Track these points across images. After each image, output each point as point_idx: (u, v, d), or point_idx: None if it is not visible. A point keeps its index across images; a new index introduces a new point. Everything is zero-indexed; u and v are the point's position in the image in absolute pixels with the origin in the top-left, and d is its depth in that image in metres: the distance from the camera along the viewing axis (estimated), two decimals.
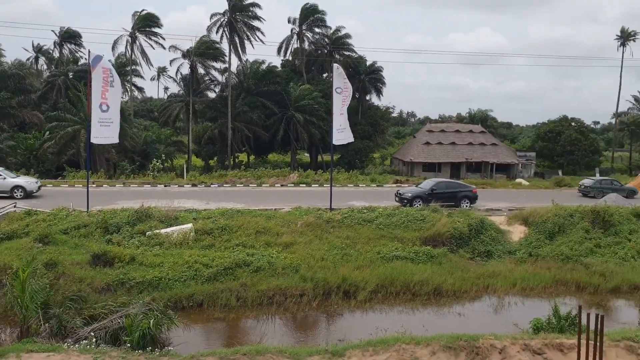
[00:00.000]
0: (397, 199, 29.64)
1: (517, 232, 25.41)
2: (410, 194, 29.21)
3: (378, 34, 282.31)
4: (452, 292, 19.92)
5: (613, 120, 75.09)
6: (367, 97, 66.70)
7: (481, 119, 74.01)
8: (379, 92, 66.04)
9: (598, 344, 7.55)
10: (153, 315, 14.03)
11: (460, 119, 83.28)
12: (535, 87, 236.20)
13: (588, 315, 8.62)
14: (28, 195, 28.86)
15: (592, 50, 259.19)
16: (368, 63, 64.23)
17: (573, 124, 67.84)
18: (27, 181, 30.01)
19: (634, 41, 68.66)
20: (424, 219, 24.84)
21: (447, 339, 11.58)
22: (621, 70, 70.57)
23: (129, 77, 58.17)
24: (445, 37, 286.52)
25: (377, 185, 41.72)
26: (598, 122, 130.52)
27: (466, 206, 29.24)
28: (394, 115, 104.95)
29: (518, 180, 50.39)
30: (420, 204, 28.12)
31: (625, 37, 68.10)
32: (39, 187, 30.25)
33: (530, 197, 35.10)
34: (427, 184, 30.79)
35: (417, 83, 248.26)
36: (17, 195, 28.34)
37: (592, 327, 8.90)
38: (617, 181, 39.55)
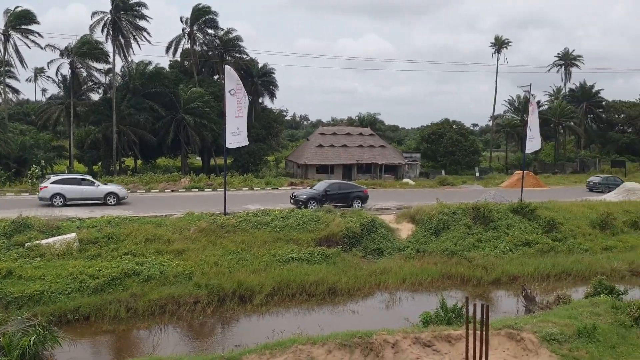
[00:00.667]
0: (292, 201, 29.80)
1: (406, 230, 26.43)
2: (305, 196, 29.49)
3: (270, 38, 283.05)
4: (346, 290, 20.34)
5: (490, 123, 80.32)
6: (260, 100, 66.50)
7: (370, 122, 76.36)
8: (272, 95, 66.06)
9: (484, 332, 7.98)
10: (34, 331, 13.05)
11: (350, 122, 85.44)
12: (419, 91, 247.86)
13: (474, 305, 9.10)
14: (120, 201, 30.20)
15: (470, 56, 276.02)
16: (260, 65, 64.09)
17: (454, 126, 71.87)
18: (119, 188, 31.55)
19: (507, 49, 73.94)
20: (318, 220, 25.16)
21: (342, 337, 11.78)
22: (496, 76, 76.01)
23: (2, 78, 53.93)
24: (336, 42, 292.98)
25: (272, 188, 41.75)
26: (477, 124, 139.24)
27: (358, 206, 30.02)
28: (288, 118, 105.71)
29: (405, 180, 52.56)
30: (314, 206, 28.47)
31: (499, 44, 73.09)
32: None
33: (416, 195, 36.66)
34: (321, 185, 31.25)
35: (310, 86, 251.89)
36: (110, 201, 29.85)
37: (477, 317, 9.42)
38: (619, 178, 46.21)
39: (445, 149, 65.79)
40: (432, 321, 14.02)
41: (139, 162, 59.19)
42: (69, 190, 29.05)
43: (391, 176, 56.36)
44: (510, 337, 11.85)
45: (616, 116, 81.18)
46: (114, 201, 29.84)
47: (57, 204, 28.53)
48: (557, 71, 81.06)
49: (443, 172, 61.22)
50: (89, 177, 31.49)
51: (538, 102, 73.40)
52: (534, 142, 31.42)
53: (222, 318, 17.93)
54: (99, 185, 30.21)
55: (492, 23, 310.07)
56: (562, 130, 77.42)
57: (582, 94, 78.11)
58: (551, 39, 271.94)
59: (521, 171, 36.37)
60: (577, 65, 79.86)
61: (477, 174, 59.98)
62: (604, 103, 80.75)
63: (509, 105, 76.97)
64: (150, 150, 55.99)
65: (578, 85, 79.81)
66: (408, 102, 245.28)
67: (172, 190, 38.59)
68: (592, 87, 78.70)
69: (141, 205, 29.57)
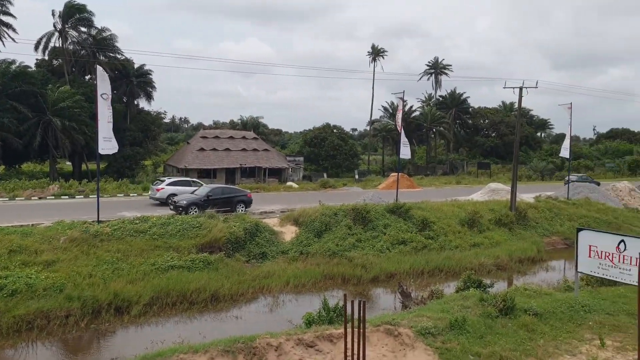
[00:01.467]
0: (171, 207, 28.89)
1: (289, 232, 26.63)
2: (185, 202, 28.72)
3: (148, 38, 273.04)
4: (229, 296, 20.07)
5: (368, 127, 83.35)
6: (137, 102, 63.90)
7: (253, 126, 76.22)
8: (149, 97, 63.70)
9: (361, 329, 8.19)
10: None
11: (233, 125, 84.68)
12: (301, 96, 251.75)
13: (352, 303, 9.32)
14: None
15: (350, 63, 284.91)
16: (136, 66, 61.60)
17: (335, 130, 73.79)
18: None
19: (384, 57, 77.16)
20: (200, 225, 24.61)
21: (225, 343, 11.58)
22: (373, 83, 79.09)
23: None
24: (217, 45, 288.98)
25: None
26: (356, 129, 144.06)
27: (242, 210, 29.77)
28: (167, 120, 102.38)
29: (289, 183, 53.03)
30: (196, 211, 27.82)
31: (375, 53, 76.09)
32: None
33: (300, 198, 37.10)
34: (203, 190, 30.60)
35: (190, 89, 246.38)
36: None
37: (356, 315, 9.67)
38: (589, 177, 55.34)
39: (326, 153, 67.33)
40: (315, 321, 14.19)
41: (2, 167, 54.47)
42: None
43: (275, 179, 56.58)
44: (388, 333, 12.29)
45: (481, 121, 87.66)
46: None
47: None
48: (429, 79, 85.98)
49: (325, 175, 62.56)
50: None
51: (411, 108, 77.37)
52: (406, 148, 33.06)
53: (97, 331, 16.94)
54: None
55: (369, 32, 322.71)
56: (433, 135, 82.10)
57: (451, 101, 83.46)
58: (424, 48, 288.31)
59: (396, 173, 38.04)
60: (446, 74, 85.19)
61: (357, 177, 61.94)
62: (470, 109, 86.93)
63: (384, 111, 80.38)
64: (14, 154, 51.66)
65: (447, 92, 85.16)
66: (291, 106, 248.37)
67: (40, 198, 35.95)
68: (460, 94, 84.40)
69: (4, 214, 27.24)
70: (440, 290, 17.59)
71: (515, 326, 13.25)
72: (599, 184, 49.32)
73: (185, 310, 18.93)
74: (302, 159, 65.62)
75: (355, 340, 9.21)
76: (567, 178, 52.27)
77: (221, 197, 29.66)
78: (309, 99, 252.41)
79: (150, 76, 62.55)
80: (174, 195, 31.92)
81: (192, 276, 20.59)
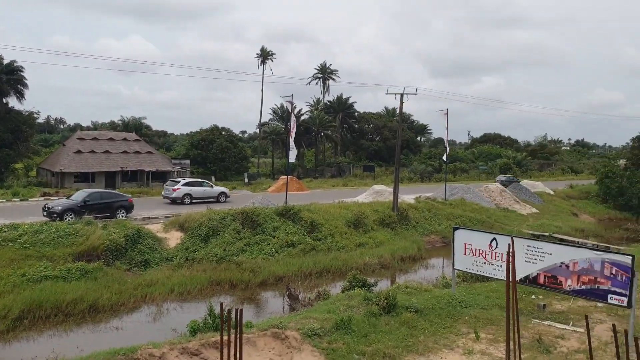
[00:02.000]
0: (45, 213, 26.95)
1: (174, 239, 25.81)
2: (60, 207, 26.89)
3: (22, 34, 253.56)
4: (109, 306, 19.04)
5: (258, 130, 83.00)
6: (5, 101, 58.94)
7: (136, 127, 73.16)
8: (20, 95, 58.84)
9: (238, 335, 8.03)
10: None
11: (113, 126, 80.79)
12: (188, 96, 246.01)
13: (236, 310, 9.14)
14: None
15: (239, 65, 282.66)
16: (6, 62, 56.86)
17: (223, 132, 72.71)
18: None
19: (273, 60, 77.27)
20: (76, 233, 23.15)
21: (104, 356, 10.94)
22: (262, 85, 78.55)
23: None
24: (96, 42, 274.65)
25: (22, 200, 37.31)
26: (245, 132, 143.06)
27: (122, 216, 28.41)
28: (40, 121, 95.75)
29: None
30: (72, 217, 26.14)
31: (264, 55, 75.98)
32: None
33: None
34: (80, 195, 28.80)
35: (67, 87, 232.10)
36: (221, 200, 37.01)
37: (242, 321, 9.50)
38: (513, 177, 61.06)
39: (215, 156, 66.09)
40: (201, 329, 13.80)
41: None
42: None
43: (159, 183, 54.53)
44: (275, 337, 12.23)
45: (366, 126, 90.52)
46: (224, 199, 37.34)
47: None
48: (317, 83, 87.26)
49: (213, 178, 61.39)
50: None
51: (300, 112, 78.21)
52: (293, 152, 33.38)
53: None
54: (212, 186, 38.69)
55: (258, 34, 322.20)
56: (321, 138, 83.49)
57: (338, 105, 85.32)
58: (312, 53, 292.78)
59: (286, 176, 38.21)
60: (333, 79, 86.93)
61: (246, 180, 61.43)
62: (356, 114, 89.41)
63: (274, 114, 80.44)
64: None
65: (335, 97, 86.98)
66: (177, 107, 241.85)
67: None
68: (346, 99, 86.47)
69: None
70: (327, 291, 17.84)
71: (398, 323, 13.70)
72: (519, 182, 56.07)
73: (61, 323, 17.71)
74: (188, 162, 63.90)
75: (231, 346, 9.02)
76: (497, 178, 61.76)
77: (100, 203, 28.10)
78: (197, 100, 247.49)
79: (22, 73, 57.92)
80: (189, 195, 35.65)
81: (68, 286, 19.32)
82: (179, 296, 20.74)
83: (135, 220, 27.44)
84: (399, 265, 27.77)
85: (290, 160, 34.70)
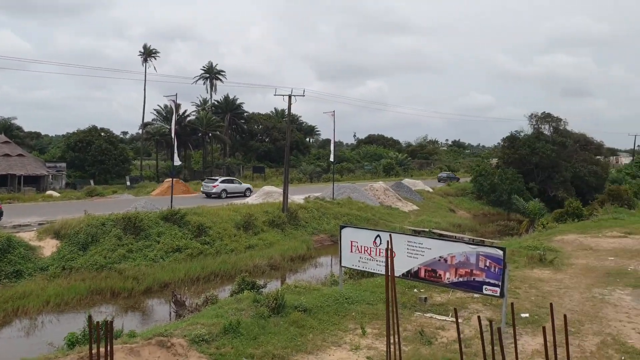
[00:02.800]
0: None
1: (49, 247, 24.11)
2: None
3: None
4: None
5: (141, 131, 79.87)
6: None
7: (5, 128, 67.68)
8: None
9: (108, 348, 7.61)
10: None
11: None
12: (64, 96, 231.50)
13: (106, 323, 8.67)
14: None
15: (120, 63, 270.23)
16: None
17: (103, 133, 69.11)
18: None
19: (156, 59, 74.77)
20: None
21: None
22: (145, 84, 75.98)
23: None
24: None
25: None
26: (127, 132, 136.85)
27: None
28: None
29: (49, 192, 48.10)
30: None
31: (147, 53, 73.35)
32: None
33: (62, 209, 33.89)
34: None
35: None
36: (247, 194, 44.17)
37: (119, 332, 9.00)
38: (453, 174, 65.52)
39: (93, 158, 62.62)
40: (79, 342, 12.98)
41: None
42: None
43: (32, 188, 50.83)
44: (161, 345, 11.76)
45: (256, 127, 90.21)
46: (249, 194, 44.17)
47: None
48: (204, 83, 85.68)
49: (92, 182, 58.19)
50: None
51: (185, 112, 76.31)
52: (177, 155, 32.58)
53: None
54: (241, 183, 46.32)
55: (141, 32, 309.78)
56: (209, 139, 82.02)
57: (226, 106, 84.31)
58: (198, 53, 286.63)
59: (171, 179, 37.08)
60: (220, 79, 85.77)
61: (129, 183, 58.90)
62: (245, 115, 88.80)
63: (158, 114, 77.86)
64: None
65: (222, 97, 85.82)
66: (52, 107, 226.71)
67: None
68: (234, 99, 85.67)
69: None
70: (216, 295, 17.48)
71: (287, 323, 13.70)
72: (458, 179, 61.19)
73: None
74: (64, 164, 60.10)
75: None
76: (439, 174, 66.58)
77: None
78: (73, 100, 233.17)
79: None
80: (225, 190, 44.00)
81: None
82: (55, 308, 19.41)
83: (4, 229, 25.30)
84: (289, 266, 27.90)
85: (175, 163, 33.70)
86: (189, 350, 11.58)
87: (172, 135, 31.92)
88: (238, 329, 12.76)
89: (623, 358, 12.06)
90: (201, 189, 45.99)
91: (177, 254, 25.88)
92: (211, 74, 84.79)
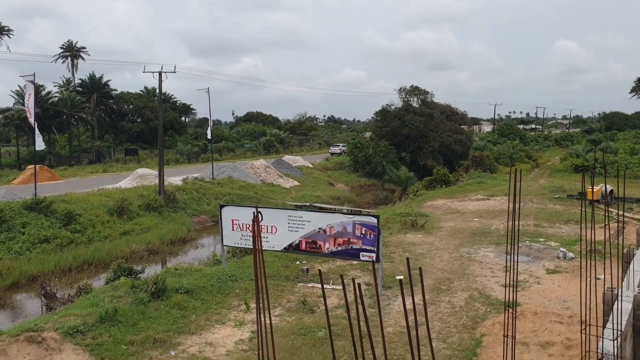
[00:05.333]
0: None
1: None
2: None
3: None
4: None
5: None
6: None
7: None
8: None
9: None
10: None
11: None
12: None
13: None
14: None
15: None
16: None
17: None
18: None
19: (10, 37, 68.49)
20: None
21: None
22: None
23: None
24: None
25: None
26: None
27: None
28: None
29: None
30: None
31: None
32: None
33: None
34: None
35: None
36: None
37: None
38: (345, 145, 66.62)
39: None
40: None
41: None
42: None
43: None
44: (30, 341, 11.02)
45: (126, 107, 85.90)
46: None
47: None
48: (64, 62, 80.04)
49: None
50: None
51: (49, 94, 70.97)
52: (40, 138, 30.31)
53: None
54: None
55: None
56: (75, 122, 77.05)
57: (92, 86, 79.41)
58: (62, 30, 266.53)
59: (34, 166, 34.41)
60: (82, 57, 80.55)
61: None
62: (114, 94, 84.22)
63: (18, 97, 71.67)
64: None
65: (87, 76, 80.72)
66: None
67: None
68: (100, 78, 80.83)
69: None
70: (90, 284, 16.63)
71: (168, 307, 13.40)
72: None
73: None
74: None
75: None
76: (331, 149, 71.87)
77: None
78: None
79: None
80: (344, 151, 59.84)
81: None
82: None
83: None
84: (169, 249, 27.18)
85: (37, 148, 31.30)
86: (62, 343, 10.97)
87: (32, 118, 29.49)
88: (115, 316, 12.28)
89: (488, 309, 13.15)
90: (330, 150, 65.13)
91: (45, 244, 24.19)
92: (72, 52, 79.32)
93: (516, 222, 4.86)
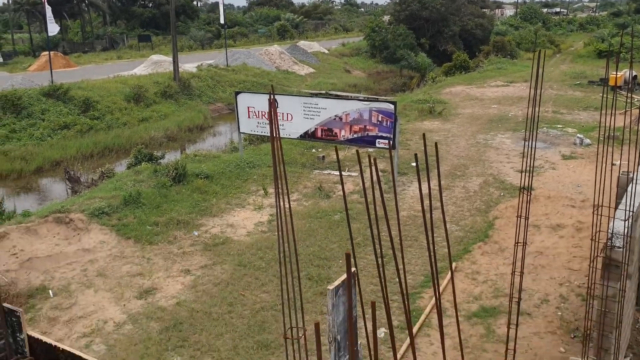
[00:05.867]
0: None
1: None
2: None
3: None
4: None
5: (7, 0, 71.47)
6: None
7: None
8: None
9: None
10: None
11: None
12: None
13: None
14: None
15: None
16: None
17: None
18: None
19: None
20: None
21: None
22: None
23: None
24: None
25: None
26: None
27: None
28: None
29: None
30: None
31: None
32: None
33: None
34: None
35: None
36: None
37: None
38: None
39: None
40: None
41: None
42: None
43: None
44: (59, 222, 11.54)
45: None
46: None
47: None
48: None
49: None
50: None
51: None
52: (53, 24, 29.71)
53: None
54: None
55: None
56: (86, 7, 75.18)
57: None
58: None
59: (48, 52, 34.09)
60: None
61: (1, 59, 53.80)
62: None
63: None
64: None
65: None
66: None
67: None
68: None
69: None
70: (112, 169, 17.07)
71: (189, 191, 13.81)
72: None
73: None
74: None
75: None
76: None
77: None
78: None
79: None
80: None
81: None
82: None
83: None
84: (187, 136, 27.50)
85: (50, 34, 30.84)
86: (89, 224, 11.48)
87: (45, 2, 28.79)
88: (139, 199, 12.72)
89: (502, 194, 13.38)
90: None
91: (66, 131, 24.57)
92: None
93: (536, 109, 4.82)
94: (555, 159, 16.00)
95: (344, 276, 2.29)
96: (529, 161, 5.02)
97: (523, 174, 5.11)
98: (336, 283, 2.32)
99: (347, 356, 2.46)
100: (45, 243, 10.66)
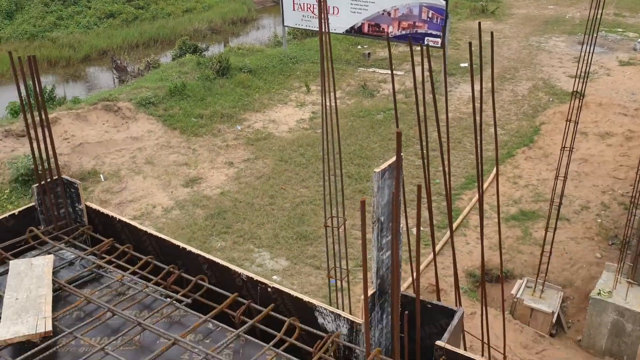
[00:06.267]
0: None
1: None
2: None
3: None
4: None
5: None
6: None
7: None
8: None
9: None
10: None
11: None
12: None
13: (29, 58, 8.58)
14: None
15: None
16: None
17: None
18: None
19: None
20: None
21: None
22: None
23: None
24: None
25: None
26: None
27: None
28: None
29: None
30: None
31: None
32: None
33: None
34: None
35: None
36: None
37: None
38: None
39: None
40: (18, 111, 12.91)
41: None
42: None
43: None
44: (107, 109, 11.84)
45: None
46: None
47: None
48: None
49: None
50: None
51: None
52: None
53: None
54: None
55: None
56: None
57: None
58: None
59: None
60: None
61: None
62: None
63: None
64: None
65: None
66: None
67: None
68: None
69: None
70: (157, 60, 17.16)
71: (233, 85, 13.85)
72: None
73: None
74: None
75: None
76: None
77: None
78: None
79: None
80: None
81: None
82: None
83: None
84: (231, 29, 27.08)
85: None
86: (136, 112, 11.75)
87: None
88: (184, 91, 12.85)
89: (551, 99, 12.99)
90: None
91: (112, 19, 24.50)
92: None
93: (598, 11, 4.56)
94: (612, 65, 15.26)
95: (391, 159, 2.32)
96: (583, 66, 4.82)
97: (576, 79, 4.93)
98: (383, 166, 2.36)
99: (390, 236, 2.56)
100: (95, 129, 11.02)
